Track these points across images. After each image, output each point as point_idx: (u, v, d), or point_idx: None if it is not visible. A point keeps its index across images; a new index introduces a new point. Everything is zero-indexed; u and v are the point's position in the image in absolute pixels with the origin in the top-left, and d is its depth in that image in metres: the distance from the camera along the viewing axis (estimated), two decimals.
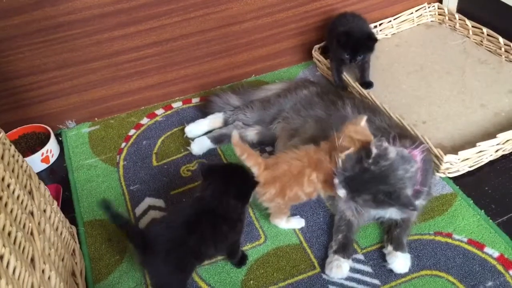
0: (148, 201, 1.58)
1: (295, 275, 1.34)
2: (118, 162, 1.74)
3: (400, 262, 1.31)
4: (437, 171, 1.53)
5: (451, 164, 1.50)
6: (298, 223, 1.46)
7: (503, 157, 1.58)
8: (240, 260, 1.37)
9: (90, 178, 1.69)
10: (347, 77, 1.86)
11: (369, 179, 1.22)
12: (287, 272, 1.35)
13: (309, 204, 1.51)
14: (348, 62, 1.80)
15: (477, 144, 1.49)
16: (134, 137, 1.85)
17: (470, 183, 1.52)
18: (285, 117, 1.68)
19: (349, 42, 1.76)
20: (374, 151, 1.22)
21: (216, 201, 1.25)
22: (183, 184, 1.63)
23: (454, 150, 1.53)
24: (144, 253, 1.19)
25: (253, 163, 1.35)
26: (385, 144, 1.24)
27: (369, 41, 1.78)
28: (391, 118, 1.57)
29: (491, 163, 1.56)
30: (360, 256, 1.37)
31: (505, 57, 1.92)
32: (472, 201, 1.46)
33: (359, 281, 1.31)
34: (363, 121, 1.34)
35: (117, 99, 1.94)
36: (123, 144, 1.82)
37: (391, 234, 1.36)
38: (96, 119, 1.95)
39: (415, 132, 1.51)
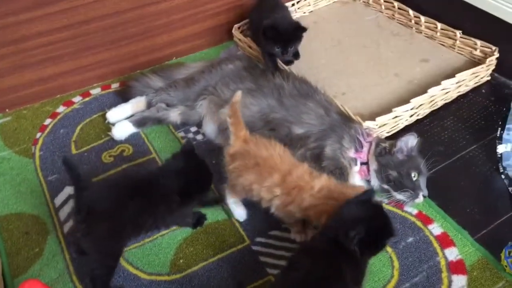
0: (69, 190, 1.50)
1: (225, 250, 1.33)
2: (34, 153, 1.65)
3: None
4: None
5: (371, 131, 1.55)
6: (239, 214, 1.39)
7: (418, 121, 1.66)
8: (195, 223, 1.38)
9: (3, 171, 1.59)
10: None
11: None
12: (217, 248, 1.34)
13: None
14: (280, 55, 1.73)
15: (393, 109, 1.56)
16: (50, 126, 1.75)
17: None
18: (211, 92, 1.66)
19: (278, 36, 1.68)
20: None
21: (167, 180, 1.22)
22: (105, 170, 1.57)
23: (372, 117, 1.58)
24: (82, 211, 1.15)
25: (234, 130, 1.30)
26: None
27: (298, 31, 1.72)
28: (325, 95, 1.60)
29: (407, 128, 1.63)
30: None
31: (416, 29, 2.01)
32: None
33: (289, 249, 1.32)
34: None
35: (29, 88, 1.82)
36: (39, 134, 1.72)
37: None
38: (7, 110, 1.83)
39: (335, 103, 1.55)
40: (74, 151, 1.65)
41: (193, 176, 1.25)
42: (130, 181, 1.24)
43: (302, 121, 1.49)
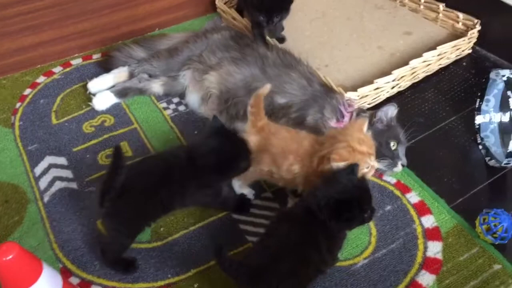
0: (49, 159, 1.50)
1: (206, 218, 1.34)
2: (13, 123, 1.63)
3: None
4: None
5: (352, 102, 1.56)
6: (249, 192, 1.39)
7: (399, 93, 1.67)
8: (236, 207, 1.34)
9: None
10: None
11: None
12: (198, 216, 1.34)
13: None
14: (265, 25, 1.71)
15: (374, 81, 1.56)
16: (30, 96, 1.73)
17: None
18: (196, 61, 1.64)
19: (263, 4, 1.67)
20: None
21: (203, 159, 1.18)
22: (86, 140, 1.56)
23: (355, 89, 1.58)
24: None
25: (253, 119, 1.26)
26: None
27: (284, 1, 1.71)
28: (308, 66, 1.59)
29: (388, 99, 1.64)
30: (268, 194, 1.40)
31: (400, 1, 2.01)
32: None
33: (268, 217, 1.34)
34: (364, 125, 1.21)
35: (8, 57, 1.79)
36: (18, 104, 1.70)
37: None
38: None
39: (319, 75, 1.55)
40: (54, 121, 1.63)
41: (231, 153, 1.20)
42: (164, 164, 1.20)
43: (284, 91, 1.49)
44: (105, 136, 1.58)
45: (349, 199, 1.06)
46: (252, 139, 1.27)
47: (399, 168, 1.35)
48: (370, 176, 1.22)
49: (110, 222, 1.19)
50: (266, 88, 1.27)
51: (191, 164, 1.18)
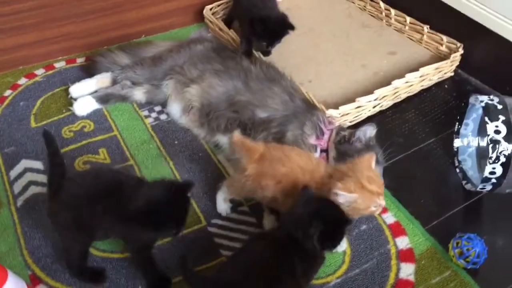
0: (25, 163, 1.48)
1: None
2: None
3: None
4: None
5: (333, 119, 1.57)
6: (224, 209, 1.36)
7: (381, 112, 1.68)
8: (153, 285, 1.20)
9: None
10: None
11: None
12: None
13: (197, 160, 1.50)
14: (265, 48, 1.70)
15: (356, 99, 1.57)
16: (10, 98, 1.71)
17: None
18: (178, 72, 1.63)
19: (265, 31, 1.64)
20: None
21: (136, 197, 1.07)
22: (64, 145, 1.54)
23: (336, 106, 1.59)
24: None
25: (248, 157, 1.21)
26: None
27: (286, 28, 1.67)
28: (291, 81, 1.60)
29: (369, 118, 1.65)
30: (245, 208, 1.39)
31: (386, 21, 2.03)
32: None
33: (244, 232, 1.33)
34: (373, 160, 1.19)
35: None
36: None
37: None
38: None
39: (301, 90, 1.56)
40: (33, 124, 1.61)
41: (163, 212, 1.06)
42: (109, 179, 1.14)
43: (266, 105, 1.49)
44: (84, 142, 1.56)
45: (333, 219, 1.05)
46: (252, 167, 1.21)
47: None
48: (377, 214, 1.21)
49: (52, 224, 1.16)
50: (236, 135, 1.24)
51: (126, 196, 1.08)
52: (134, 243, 1.17)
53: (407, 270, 1.24)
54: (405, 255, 1.28)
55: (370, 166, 1.17)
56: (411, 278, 1.23)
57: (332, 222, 1.05)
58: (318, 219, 1.03)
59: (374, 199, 1.13)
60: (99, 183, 1.13)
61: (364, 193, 1.12)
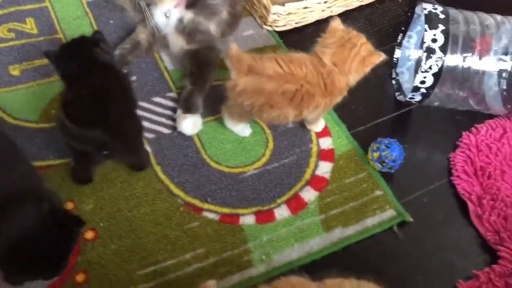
0: None
1: None
2: None
3: (188, 123, 1.26)
4: (265, 24, 1.54)
5: (278, 17, 1.51)
6: (245, 132, 1.29)
7: (330, 18, 1.62)
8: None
9: None
10: None
11: None
12: None
13: None
14: None
15: None
16: None
17: (294, 38, 1.55)
18: None
19: None
20: None
21: None
22: None
23: (284, 4, 1.52)
24: None
25: (237, 68, 1.13)
26: None
27: None
28: None
29: (317, 22, 1.59)
30: (173, 94, 1.35)
31: None
32: None
33: (169, 117, 1.30)
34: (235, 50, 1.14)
35: None
36: None
37: (183, 97, 1.30)
38: None
39: None
40: None
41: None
42: None
43: None
44: (12, 9, 1.46)
45: None
46: (245, 81, 1.13)
47: None
48: None
49: None
50: (234, 48, 1.14)
51: None
52: None
53: (324, 169, 1.26)
54: (326, 155, 1.29)
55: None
56: (327, 175, 1.24)
57: None
58: None
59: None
60: None
61: None
